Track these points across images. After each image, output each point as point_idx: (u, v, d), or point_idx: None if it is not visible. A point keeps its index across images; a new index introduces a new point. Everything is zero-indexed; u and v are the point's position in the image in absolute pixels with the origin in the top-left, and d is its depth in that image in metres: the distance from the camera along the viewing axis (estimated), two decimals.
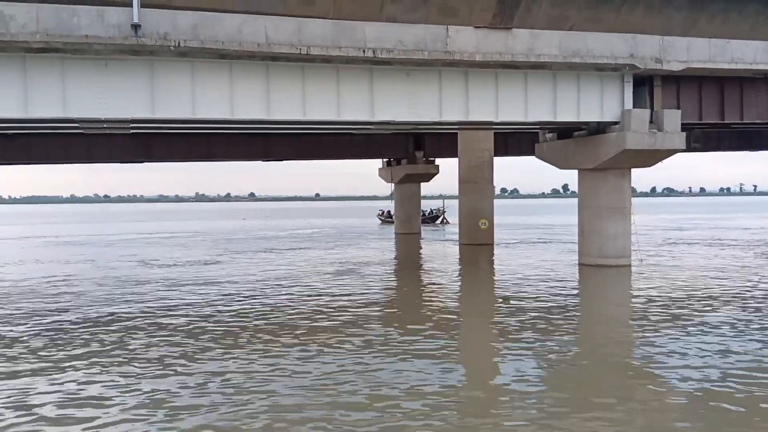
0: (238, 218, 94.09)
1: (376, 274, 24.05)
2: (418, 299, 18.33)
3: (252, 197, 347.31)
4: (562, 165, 27.00)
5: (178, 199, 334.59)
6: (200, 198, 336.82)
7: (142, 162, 41.31)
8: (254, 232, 55.16)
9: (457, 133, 38.30)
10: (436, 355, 11.95)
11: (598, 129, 24.51)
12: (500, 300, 17.88)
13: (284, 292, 19.69)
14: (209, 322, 15.36)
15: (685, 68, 23.28)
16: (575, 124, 24.63)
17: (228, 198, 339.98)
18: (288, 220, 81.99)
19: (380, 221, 73.38)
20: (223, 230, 59.86)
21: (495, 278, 23.17)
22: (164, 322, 15.57)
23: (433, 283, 21.86)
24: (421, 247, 37.41)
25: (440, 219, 66.27)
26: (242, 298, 18.84)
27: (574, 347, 12.64)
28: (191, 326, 14.92)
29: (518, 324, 14.63)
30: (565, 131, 26.57)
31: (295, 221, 78.85)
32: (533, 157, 29.27)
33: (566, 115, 23.06)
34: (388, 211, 73.51)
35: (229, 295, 19.56)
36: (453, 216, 63.95)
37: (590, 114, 23.41)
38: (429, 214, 64.37)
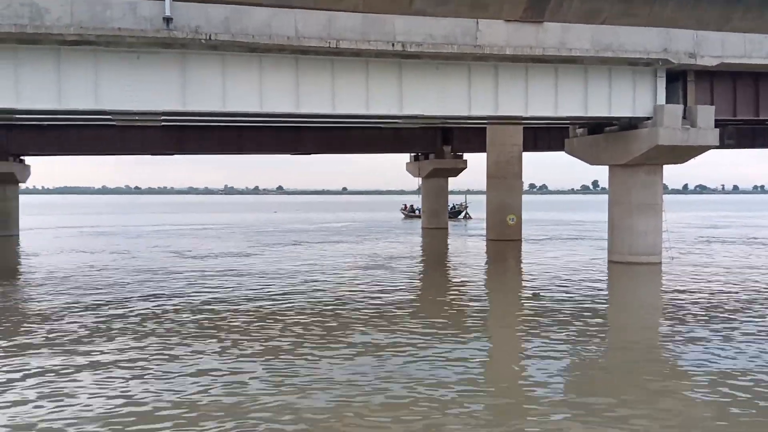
0: (268, 211, 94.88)
1: (405, 269, 24.09)
2: (445, 296, 18.24)
3: (280, 190, 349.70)
4: (592, 161, 26.73)
5: (207, 192, 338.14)
6: (229, 191, 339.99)
7: (172, 154, 41.76)
8: (284, 225, 55.53)
9: (485, 127, 38.10)
10: (466, 358, 11.80)
11: (630, 124, 24.23)
12: (530, 296, 17.80)
13: (319, 285, 19.82)
14: (250, 317, 15.41)
15: (719, 63, 22.90)
16: (606, 120, 24.38)
17: (256, 191, 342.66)
18: (316, 214, 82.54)
19: (403, 215, 73.55)
20: (253, 222, 60.29)
21: (523, 275, 23.10)
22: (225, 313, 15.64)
23: (461, 280, 21.79)
24: (448, 243, 37.42)
25: (463, 214, 66.31)
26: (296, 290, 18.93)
27: (603, 347, 12.50)
28: (242, 319, 14.98)
29: (546, 322, 14.48)
30: (596, 126, 26.32)
31: (323, 215, 79.33)
32: (563, 153, 29.13)
33: (597, 110, 22.82)
34: (411, 206, 74.41)
35: (272, 288, 19.63)
36: (476, 211, 64.80)
37: (622, 109, 23.14)
38: (452, 209, 64.66)
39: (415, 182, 51.94)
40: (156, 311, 15.84)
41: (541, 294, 17.97)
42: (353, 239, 38.91)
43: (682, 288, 19.53)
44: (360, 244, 35.13)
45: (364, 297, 17.46)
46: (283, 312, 15.45)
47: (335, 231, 47.40)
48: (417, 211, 70.98)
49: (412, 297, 17.99)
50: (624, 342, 12.91)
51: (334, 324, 14.21)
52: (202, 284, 20.26)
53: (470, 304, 16.87)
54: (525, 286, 19.97)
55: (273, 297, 17.54)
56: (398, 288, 19.42)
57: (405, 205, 76.21)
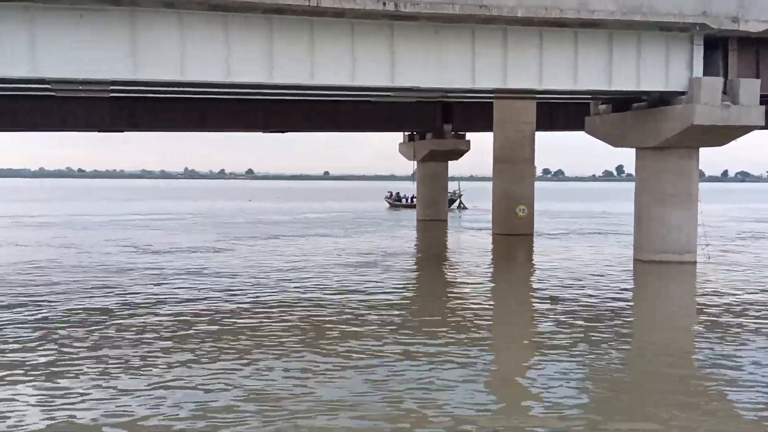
0: (239, 198, 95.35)
1: (399, 269, 24.35)
2: (445, 302, 18.42)
3: (250, 175, 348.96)
4: (617, 142, 26.82)
5: (164, 175, 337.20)
6: (190, 174, 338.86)
7: (123, 131, 41.49)
8: (258, 215, 55.98)
9: (492, 103, 38.23)
10: (467, 371, 11.83)
11: (662, 100, 24.27)
12: (544, 301, 18.07)
13: (307, 288, 20.07)
14: (220, 324, 15.44)
15: (766, 29, 22.86)
16: (634, 94, 24.41)
17: (222, 175, 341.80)
18: (295, 203, 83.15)
19: (389, 204, 74.36)
20: (223, 212, 60.79)
21: (535, 276, 23.40)
22: (185, 321, 15.62)
23: (464, 282, 21.99)
24: (447, 237, 37.36)
25: (456, 203, 66.91)
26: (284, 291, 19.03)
27: (626, 361, 12.63)
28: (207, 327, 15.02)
29: (561, 332, 14.65)
30: (621, 102, 26.38)
31: (303, 204, 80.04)
32: (582, 133, 29.32)
33: (623, 83, 22.82)
34: (397, 193, 75.59)
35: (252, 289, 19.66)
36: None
37: (652, 82, 23.15)
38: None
39: (410, 166, 52.55)
40: (119, 318, 15.79)
41: (558, 299, 18.17)
42: (339, 233, 39.35)
43: (720, 292, 19.60)
44: (347, 238, 35.61)
45: (354, 306, 17.40)
46: (259, 325, 15.25)
47: (317, 223, 47.82)
48: (405, 200, 72.31)
49: (408, 303, 18.18)
50: (648, 354, 12.92)
51: (317, 338, 14.20)
52: (167, 286, 20.32)
53: (475, 311, 16.98)
54: (538, 290, 20.16)
55: (247, 305, 17.52)
56: (392, 290, 19.68)
57: (390, 192, 77.49)
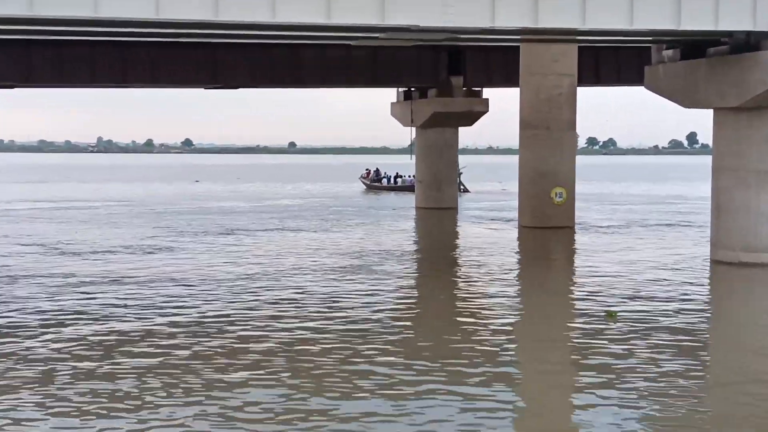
0: (178, 179, 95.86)
1: (396, 276, 24.39)
2: (461, 323, 18.38)
3: (188, 146, 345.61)
4: (687, 101, 26.82)
5: (70, 148, 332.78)
6: (107, 147, 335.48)
7: (13, 86, 41.20)
8: (207, 203, 56.16)
9: (518, 48, 37.99)
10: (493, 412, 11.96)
11: (748, 44, 24.11)
12: (598, 317, 18.27)
13: (274, 301, 20.22)
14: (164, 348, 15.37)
15: None
16: (711, 35, 24.32)
17: (150, 147, 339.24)
18: (255, 185, 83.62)
19: (365, 186, 75.50)
20: (159, 198, 61.03)
21: (578, 283, 23.34)
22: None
23: (484, 293, 22.05)
24: (458, 232, 37.18)
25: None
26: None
27: (704, 401, 12.64)
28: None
29: (614, 360, 14.68)
30: (693, 47, 26.21)
31: (265, 186, 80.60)
32: (641, 89, 29.25)
33: (696, 20, 22.76)
34: (377, 171, 76.57)
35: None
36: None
37: (735, 19, 23.05)
38: None
39: (406, 135, 53.21)
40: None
41: (615, 314, 18.35)
42: (316, 226, 39.44)
43: None
44: (327, 234, 35.85)
45: (341, 331, 17.35)
46: (203, 367, 14.57)
47: (286, 212, 47.85)
48: (386, 180, 73.50)
49: (411, 328, 18.16)
50: (731, 391, 12.99)
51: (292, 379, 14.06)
52: (74, 299, 20.25)
53: (502, 333, 16.94)
54: (585, 303, 20.17)
55: (187, 330, 17.35)
56: (390, 307, 19.85)
57: (367, 170, 78.73)
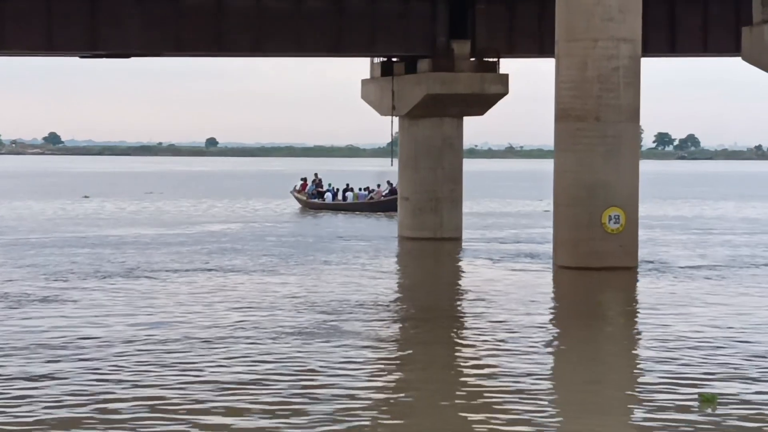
0: (62, 194, 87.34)
1: (377, 347, 21.84)
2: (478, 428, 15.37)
3: (53, 144, 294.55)
4: None
5: None
6: None
7: None
8: (91, 230, 50.13)
9: (553, 2, 34.37)
10: None
11: None
12: (689, 402, 16.41)
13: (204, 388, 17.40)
14: None
15: None
16: None
17: None
18: (164, 202, 77.26)
19: (300, 202, 68.59)
20: (26, 221, 55.75)
21: (651, 357, 20.50)
22: None
23: (505, 388, 17.99)
24: (462, 275, 34.13)
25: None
26: None
27: None
28: None
29: None
30: None
31: (177, 205, 74.05)
32: (737, 60, 29.97)
33: None
34: (317, 182, 70.30)
35: None
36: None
37: None
38: (394, 189, 60.97)
39: (385, 128, 47.98)
40: None
41: (712, 399, 16.45)
42: (254, 265, 35.71)
43: None
44: (273, 276, 32.54)
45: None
46: None
47: (212, 241, 44.21)
48: (330, 195, 67.13)
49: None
50: None
51: None
52: None
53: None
54: (662, 385, 17.90)
55: None
56: (374, 400, 17.00)
57: (303, 180, 70.61)
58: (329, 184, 68.39)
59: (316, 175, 70.61)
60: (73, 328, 22.88)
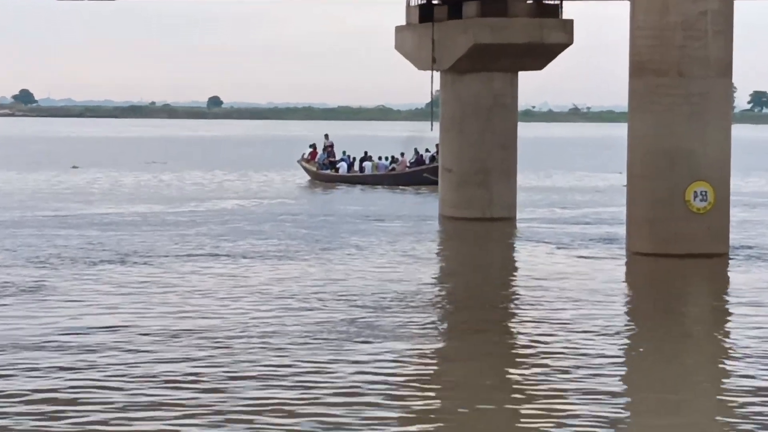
0: (53, 165, 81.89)
1: (418, 343, 20.17)
2: None
3: (26, 104, 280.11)
4: None
5: None
6: None
7: None
8: (82, 208, 46.79)
9: None
10: None
11: None
12: None
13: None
14: None
15: None
16: None
17: None
18: (167, 176, 71.50)
19: (307, 172, 63.82)
20: (10, 198, 51.50)
21: (738, 366, 18.33)
22: None
23: (572, 411, 15.58)
24: (517, 263, 31.98)
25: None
26: None
27: None
28: None
29: None
30: None
31: (185, 176, 69.23)
32: None
33: None
34: (328, 148, 64.92)
35: None
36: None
37: None
38: (421, 158, 59.44)
39: (423, 85, 44.88)
40: None
41: None
42: (273, 250, 33.19)
43: None
44: (294, 264, 30.05)
45: None
46: None
47: (222, 220, 41.15)
48: (346, 164, 62.26)
49: None
50: None
51: None
52: None
53: None
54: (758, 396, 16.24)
55: None
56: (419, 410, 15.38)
57: (313, 147, 65.28)
58: (343, 152, 62.98)
59: (326, 138, 64.40)
60: (52, 325, 20.71)
